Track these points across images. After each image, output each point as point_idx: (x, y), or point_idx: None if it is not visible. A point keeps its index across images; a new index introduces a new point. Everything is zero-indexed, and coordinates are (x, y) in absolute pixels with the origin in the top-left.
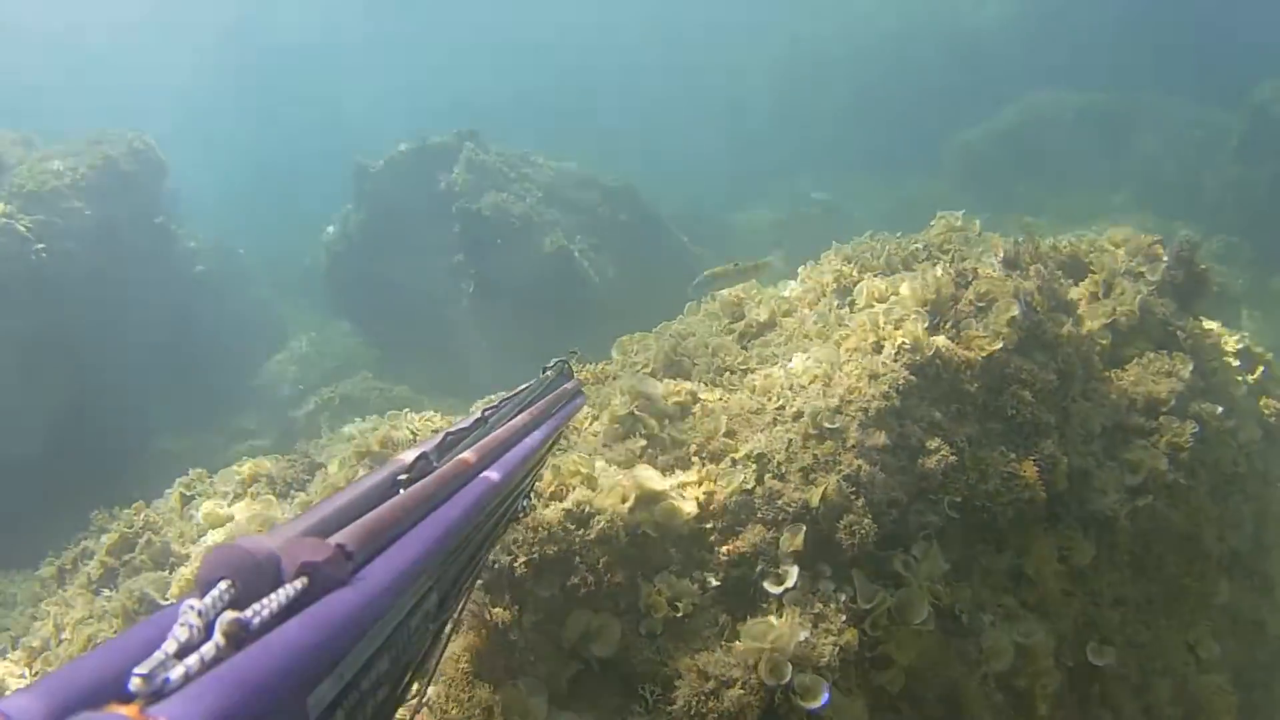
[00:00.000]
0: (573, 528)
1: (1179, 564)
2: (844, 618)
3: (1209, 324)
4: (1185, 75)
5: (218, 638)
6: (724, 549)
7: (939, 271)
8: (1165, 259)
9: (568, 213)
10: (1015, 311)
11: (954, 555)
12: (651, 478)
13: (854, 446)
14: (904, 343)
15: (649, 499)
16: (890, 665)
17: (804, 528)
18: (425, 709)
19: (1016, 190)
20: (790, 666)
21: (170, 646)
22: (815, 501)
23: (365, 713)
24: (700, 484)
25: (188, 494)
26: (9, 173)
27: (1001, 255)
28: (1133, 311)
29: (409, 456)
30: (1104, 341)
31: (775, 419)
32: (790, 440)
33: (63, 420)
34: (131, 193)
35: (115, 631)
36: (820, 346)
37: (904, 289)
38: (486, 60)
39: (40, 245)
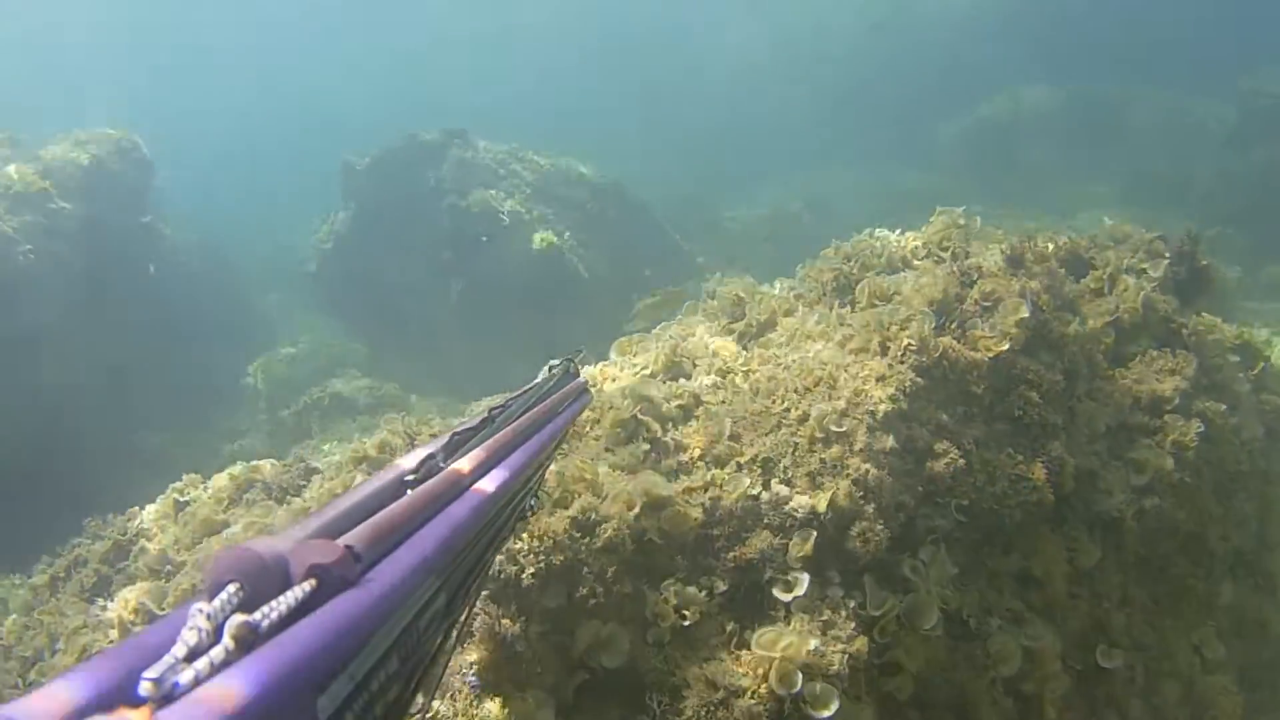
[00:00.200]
0: (579, 536)
1: (1184, 564)
2: (853, 625)
3: (1209, 319)
4: (1174, 64)
5: (227, 641)
6: (730, 555)
7: (943, 271)
8: (1168, 255)
9: (557, 209)
10: (1025, 313)
11: (961, 558)
12: (657, 483)
13: (861, 450)
14: (910, 344)
15: (655, 505)
16: (899, 671)
17: (814, 534)
18: None
19: (1004, 182)
20: (800, 675)
21: (180, 650)
22: (823, 507)
23: (375, 713)
24: (705, 489)
25: (181, 499)
26: None
27: (1008, 253)
28: (1136, 309)
29: (416, 457)
30: (1107, 340)
31: (780, 422)
32: (796, 444)
33: (49, 421)
34: (118, 192)
35: (111, 642)
36: (825, 348)
37: (907, 288)
38: (476, 57)
39: (27, 247)
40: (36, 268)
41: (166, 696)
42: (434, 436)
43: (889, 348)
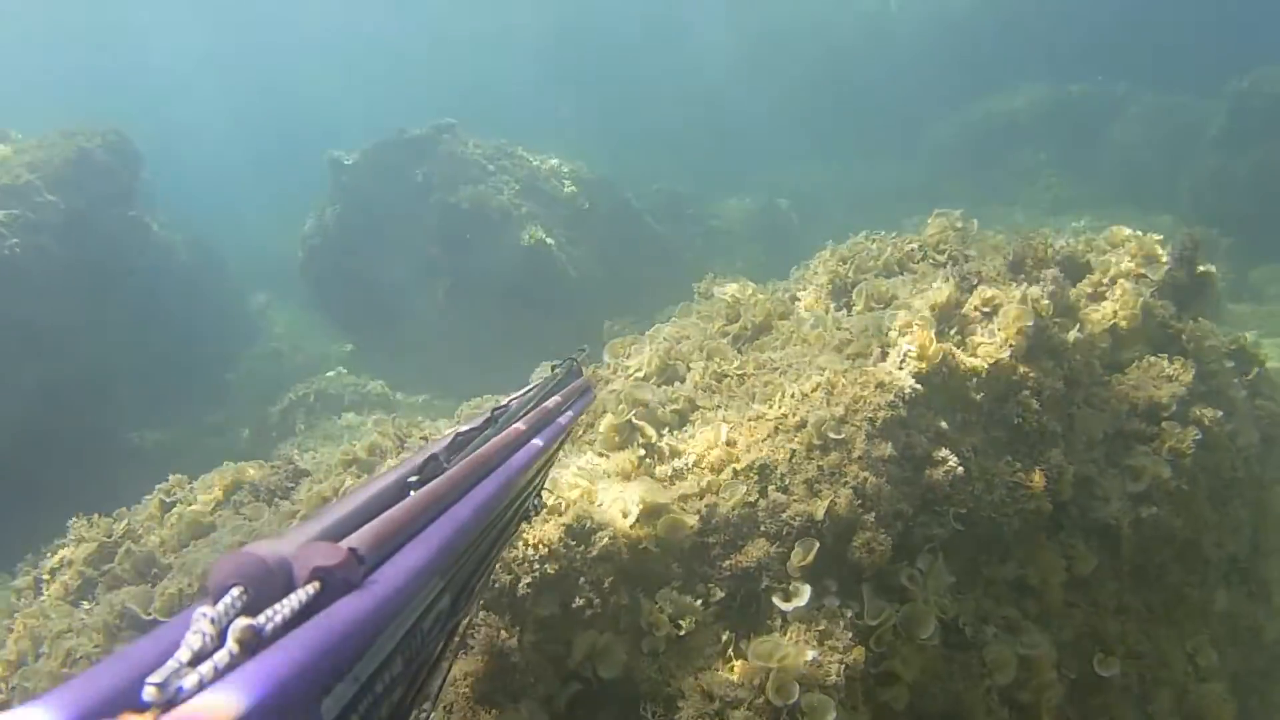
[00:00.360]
0: (574, 544)
1: (1179, 572)
2: (850, 635)
3: (1206, 324)
4: (1164, 65)
5: (231, 645)
6: (727, 563)
7: (943, 276)
8: (1166, 260)
9: (546, 205)
10: (1027, 320)
11: (957, 566)
12: (653, 490)
13: (860, 457)
14: (910, 350)
15: (651, 512)
16: (895, 681)
17: (816, 544)
18: None
19: (993, 181)
20: (797, 686)
21: (183, 655)
22: (820, 515)
23: (380, 715)
24: (701, 496)
25: (167, 500)
26: None
27: (1009, 258)
28: (1134, 315)
29: (419, 458)
30: (1104, 345)
31: (777, 428)
32: (794, 451)
33: (35, 415)
34: (106, 186)
35: (96, 646)
36: (823, 354)
37: (905, 292)
38: (464, 53)
39: (14, 240)
40: (22, 260)
41: (170, 701)
42: (425, 439)
43: (888, 353)
